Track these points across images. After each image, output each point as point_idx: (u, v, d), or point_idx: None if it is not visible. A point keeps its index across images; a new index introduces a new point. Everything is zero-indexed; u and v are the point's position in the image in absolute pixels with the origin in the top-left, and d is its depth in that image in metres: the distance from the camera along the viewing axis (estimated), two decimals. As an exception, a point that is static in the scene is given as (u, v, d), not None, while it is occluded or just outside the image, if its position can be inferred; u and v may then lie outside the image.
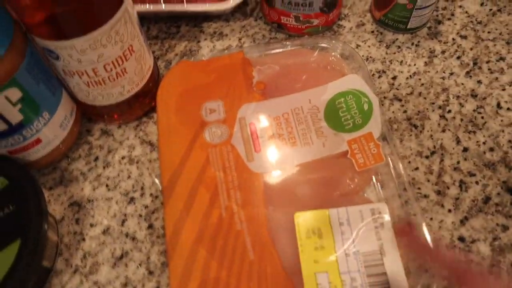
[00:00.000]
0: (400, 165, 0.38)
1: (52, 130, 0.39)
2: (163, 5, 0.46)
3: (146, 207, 0.40)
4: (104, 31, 0.34)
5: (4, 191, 0.36)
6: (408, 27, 0.48)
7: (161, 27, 0.50)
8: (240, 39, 0.49)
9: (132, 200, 0.41)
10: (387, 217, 0.35)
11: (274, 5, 0.46)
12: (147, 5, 0.46)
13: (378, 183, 0.38)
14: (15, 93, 0.34)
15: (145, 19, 0.50)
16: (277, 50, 0.44)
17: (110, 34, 0.34)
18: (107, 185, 0.42)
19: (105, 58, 0.36)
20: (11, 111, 0.35)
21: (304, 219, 0.36)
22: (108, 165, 0.43)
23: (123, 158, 0.43)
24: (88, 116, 0.44)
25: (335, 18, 0.49)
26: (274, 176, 0.38)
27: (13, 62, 0.33)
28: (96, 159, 0.43)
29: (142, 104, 0.43)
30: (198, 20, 0.50)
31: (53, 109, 0.38)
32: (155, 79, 0.44)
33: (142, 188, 0.41)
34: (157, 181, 0.41)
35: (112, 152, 0.43)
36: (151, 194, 0.41)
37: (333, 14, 0.47)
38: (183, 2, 0.46)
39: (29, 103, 0.36)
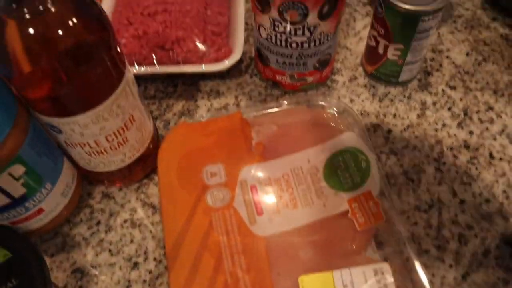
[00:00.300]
0: (399, 221, 0.39)
1: (54, 199, 0.39)
2: (158, 67, 0.47)
3: (150, 272, 0.40)
4: (106, 106, 0.35)
5: (7, 263, 0.36)
6: (400, 80, 0.50)
7: (158, 86, 0.51)
8: (236, 97, 0.50)
9: (135, 265, 0.41)
10: (389, 278, 0.36)
11: (269, 65, 0.47)
12: (143, 67, 0.47)
13: (379, 241, 0.39)
14: (18, 169, 0.35)
15: (142, 78, 0.51)
16: (274, 109, 0.45)
17: (111, 108, 0.35)
18: (109, 250, 0.42)
19: (107, 130, 0.36)
20: (14, 185, 0.35)
21: (309, 283, 0.36)
22: (110, 229, 0.43)
23: (125, 221, 0.43)
24: (89, 180, 0.45)
25: (329, 74, 0.50)
26: (277, 239, 0.38)
27: (17, 140, 0.34)
28: (98, 223, 0.43)
29: (143, 168, 0.44)
30: (195, 78, 0.51)
31: (55, 179, 0.39)
32: (155, 142, 0.44)
33: (145, 253, 0.41)
34: (160, 245, 0.41)
35: (114, 216, 0.43)
36: (154, 259, 0.41)
37: (326, 71, 0.49)
38: (179, 63, 0.47)
39: (32, 176, 0.36)
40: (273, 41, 0.44)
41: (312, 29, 0.42)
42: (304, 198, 0.40)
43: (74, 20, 0.31)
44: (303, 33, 0.42)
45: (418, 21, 0.43)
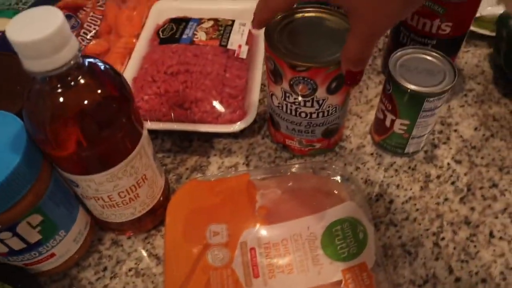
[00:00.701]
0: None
1: (66, 245, 0.42)
2: (175, 124, 0.50)
3: (148, 323, 0.42)
4: (121, 167, 0.38)
5: (17, 304, 0.38)
6: (405, 151, 0.51)
7: (175, 140, 0.54)
8: (247, 156, 0.52)
9: (135, 314, 0.43)
10: None
11: (279, 129, 0.50)
12: (162, 123, 0.51)
13: (371, 314, 0.40)
14: (36, 218, 0.38)
15: (160, 132, 0.54)
16: (280, 173, 0.48)
17: (126, 169, 0.38)
18: (113, 297, 0.44)
19: (120, 188, 0.39)
20: (30, 233, 0.38)
21: None
22: (115, 276, 0.45)
23: (130, 270, 0.45)
24: (100, 227, 0.47)
25: (337, 141, 0.52)
26: (271, 304, 0.40)
27: (38, 192, 0.37)
28: (105, 269, 0.46)
29: (152, 220, 0.46)
30: (209, 136, 0.54)
31: (69, 226, 0.42)
32: (165, 195, 0.47)
33: (145, 303, 0.43)
34: (160, 297, 0.43)
35: (120, 264, 0.46)
36: (153, 310, 0.43)
37: (335, 138, 0.51)
38: (195, 122, 0.51)
39: (48, 225, 0.39)
40: (284, 109, 0.47)
41: (321, 102, 0.45)
42: (300, 265, 0.41)
43: (99, 91, 0.34)
44: (312, 105, 0.45)
45: (424, 101, 0.45)
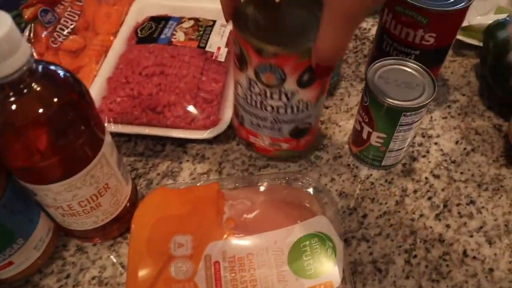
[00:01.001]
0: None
1: (25, 253, 0.41)
2: (147, 128, 0.49)
3: (108, 334, 0.41)
4: (79, 177, 0.36)
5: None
6: (383, 164, 0.50)
7: (147, 143, 0.53)
8: (220, 163, 0.51)
9: (95, 325, 0.42)
10: None
11: (243, 124, 0.47)
12: (132, 127, 0.49)
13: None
14: (-10, 226, 0.36)
15: (133, 135, 0.52)
16: (252, 183, 0.46)
17: (85, 179, 0.37)
18: (74, 306, 0.43)
19: (80, 197, 0.38)
20: (-15, 241, 0.37)
21: None
22: (78, 284, 0.44)
23: (93, 278, 0.44)
24: (64, 233, 0.46)
25: (308, 144, 0.49)
26: (232, 321, 0.38)
27: (-9, 201, 0.36)
28: (68, 276, 0.44)
29: (118, 227, 0.45)
30: (183, 140, 0.52)
31: (28, 234, 0.40)
32: (133, 202, 0.46)
33: (106, 313, 0.42)
34: (121, 308, 0.42)
35: (84, 271, 0.45)
36: (114, 321, 0.42)
37: (306, 139, 0.48)
38: (167, 126, 0.49)
39: (3, 233, 0.38)
40: (248, 101, 0.42)
41: (289, 95, 0.40)
42: (265, 281, 0.40)
43: (54, 99, 0.33)
44: (280, 98, 0.40)
45: (400, 116, 0.43)
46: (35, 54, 0.56)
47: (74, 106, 0.34)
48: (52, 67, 0.34)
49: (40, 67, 0.32)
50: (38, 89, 0.32)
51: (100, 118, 0.38)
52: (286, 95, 0.40)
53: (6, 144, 0.33)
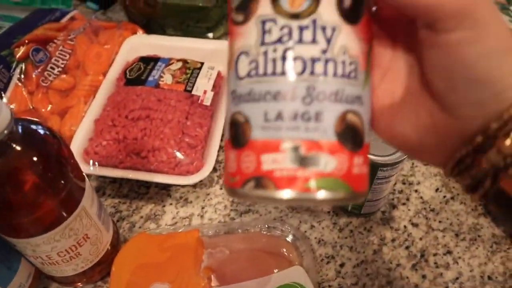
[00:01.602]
0: None
1: (5, 299, 0.42)
2: (131, 173, 0.50)
3: None
4: (58, 230, 0.37)
5: None
6: (362, 212, 0.51)
7: (132, 185, 0.54)
8: (203, 207, 0.52)
9: None
10: None
11: (247, 137, 0.26)
12: (117, 170, 0.50)
13: None
14: (-30, 277, 0.37)
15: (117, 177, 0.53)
16: (232, 230, 0.47)
17: (64, 232, 0.38)
18: None
19: (59, 248, 0.39)
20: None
21: None
22: (57, 328, 0.45)
23: (72, 322, 0.45)
24: (45, 276, 0.47)
25: (365, 176, 0.30)
26: None
27: (-29, 253, 0.36)
28: (48, 320, 0.45)
29: (99, 271, 0.46)
30: (167, 183, 0.53)
31: (8, 282, 0.41)
32: (114, 245, 0.47)
33: None
34: None
35: (64, 315, 0.45)
36: None
37: (360, 159, 0.31)
38: (151, 170, 0.50)
39: (-17, 282, 0.39)
40: (261, 70, 0.24)
41: (328, 31, 0.24)
42: (240, 333, 0.41)
43: (33, 158, 0.34)
44: (314, 39, 0.24)
45: (377, 170, 0.44)
46: (26, 93, 0.57)
47: (53, 163, 0.35)
48: (32, 126, 0.35)
49: (20, 128, 0.33)
50: (18, 149, 0.33)
51: (80, 170, 0.39)
52: (324, 30, 0.24)
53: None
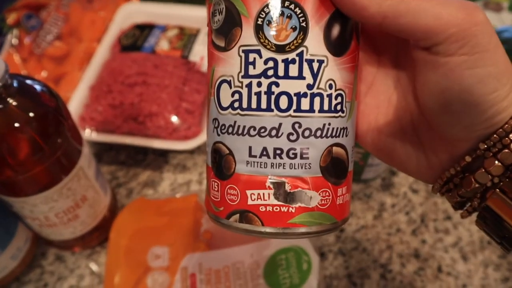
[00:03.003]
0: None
1: (2, 263, 0.41)
2: (128, 139, 0.49)
3: None
4: (56, 190, 0.36)
5: None
6: (362, 178, 0.50)
7: (129, 152, 0.53)
8: (201, 173, 0.51)
9: (71, 335, 0.42)
10: None
11: (230, 171, 0.26)
12: (113, 136, 0.49)
13: None
14: (-35, 237, 0.36)
15: (114, 144, 0.53)
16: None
17: (61, 192, 0.37)
18: (50, 315, 0.43)
19: (56, 209, 0.38)
20: (-40, 251, 0.37)
21: None
22: (55, 293, 0.44)
23: (71, 287, 0.44)
24: (43, 241, 0.46)
25: (346, 207, 0.29)
26: (206, 334, 0.39)
27: (-34, 212, 0.36)
28: (46, 285, 0.45)
29: (97, 236, 0.45)
30: (164, 150, 0.53)
31: (5, 244, 0.40)
32: (112, 211, 0.46)
33: (82, 324, 0.42)
34: (97, 318, 0.42)
35: (62, 280, 0.45)
36: (89, 332, 0.42)
37: (343, 191, 0.28)
38: (148, 136, 0.49)
39: (-21, 244, 0.38)
40: (245, 100, 0.23)
41: (316, 66, 0.23)
42: (240, 294, 0.41)
43: (30, 113, 0.33)
44: (300, 73, 0.23)
45: (378, 132, 0.44)
46: (19, 60, 0.56)
47: (50, 120, 0.34)
48: (28, 81, 0.34)
49: (15, 82, 0.32)
50: (14, 103, 0.32)
51: (77, 131, 0.38)
52: (310, 64, 0.23)
53: (-19, 157, 0.33)
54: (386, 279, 0.45)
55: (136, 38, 0.56)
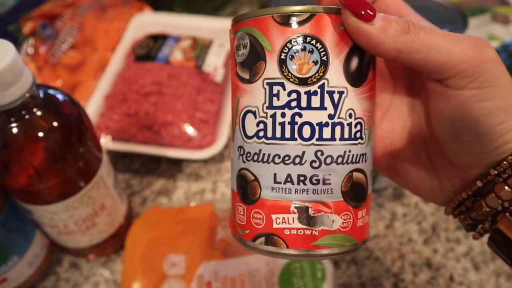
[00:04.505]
0: None
1: (19, 270, 0.41)
2: (143, 146, 0.50)
3: None
4: (76, 198, 0.37)
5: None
6: (374, 187, 0.51)
7: (143, 161, 0.54)
8: (214, 182, 0.52)
9: None
10: None
11: (256, 196, 0.27)
12: (129, 145, 0.50)
13: None
14: (-13, 245, 0.37)
15: (128, 152, 0.53)
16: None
17: (82, 200, 0.37)
18: (66, 323, 0.43)
19: (76, 217, 0.39)
20: (-20, 258, 0.37)
21: None
22: (71, 301, 0.44)
23: (86, 295, 0.45)
24: (59, 248, 0.47)
25: (366, 228, 0.30)
26: None
27: (-11, 220, 0.36)
28: (61, 292, 0.45)
29: (113, 244, 0.46)
30: (178, 159, 0.53)
31: (23, 252, 0.41)
32: (128, 219, 0.47)
33: (98, 331, 0.43)
34: (113, 326, 0.43)
35: (77, 288, 0.45)
36: None
37: (362, 214, 0.31)
38: (163, 145, 0.50)
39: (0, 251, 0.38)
40: (270, 130, 0.25)
41: (336, 97, 0.25)
42: (256, 303, 0.41)
43: (54, 124, 0.34)
44: (321, 104, 0.24)
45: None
46: (34, 68, 0.57)
47: (73, 129, 0.35)
48: (52, 92, 0.35)
49: (41, 92, 0.33)
50: (39, 113, 0.33)
51: (98, 140, 0.39)
52: (331, 95, 0.24)
53: (5, 165, 0.33)
54: (398, 288, 0.45)
55: (150, 48, 0.57)
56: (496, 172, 0.24)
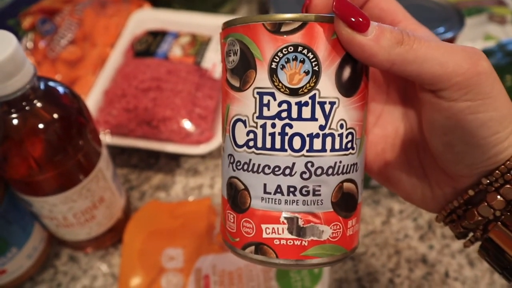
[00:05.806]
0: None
1: (18, 262, 0.41)
2: (142, 141, 0.50)
3: None
4: (75, 190, 0.37)
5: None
6: (371, 184, 0.51)
7: (141, 156, 0.54)
8: (212, 178, 0.52)
9: (84, 335, 0.42)
10: None
11: (246, 206, 0.27)
12: (127, 139, 0.50)
13: None
14: (-15, 236, 0.37)
15: (127, 147, 0.53)
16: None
17: (81, 192, 0.38)
18: (63, 315, 0.43)
19: (75, 210, 0.39)
20: (-21, 250, 0.38)
21: None
22: (69, 294, 0.45)
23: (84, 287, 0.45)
24: (57, 241, 0.47)
25: (355, 237, 0.30)
26: (219, 335, 0.39)
27: (-12, 212, 0.36)
28: (59, 285, 0.45)
29: (111, 237, 0.46)
30: (176, 154, 0.53)
31: (22, 243, 0.41)
32: (126, 213, 0.47)
33: (96, 324, 0.43)
34: (111, 319, 0.43)
35: (75, 281, 0.45)
36: (103, 332, 0.42)
37: (352, 223, 0.31)
38: (161, 140, 0.50)
39: (-2, 242, 0.38)
40: (260, 140, 0.25)
41: (328, 108, 0.24)
42: (253, 296, 0.41)
43: (54, 115, 0.34)
44: (312, 115, 0.24)
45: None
46: (33, 63, 0.57)
47: (73, 121, 0.35)
48: (52, 84, 0.35)
49: (42, 84, 0.33)
50: (39, 105, 0.33)
51: (97, 133, 0.39)
52: (322, 106, 0.24)
53: (5, 156, 0.34)
54: (394, 283, 0.46)
55: (149, 44, 0.57)
56: (488, 181, 0.24)
